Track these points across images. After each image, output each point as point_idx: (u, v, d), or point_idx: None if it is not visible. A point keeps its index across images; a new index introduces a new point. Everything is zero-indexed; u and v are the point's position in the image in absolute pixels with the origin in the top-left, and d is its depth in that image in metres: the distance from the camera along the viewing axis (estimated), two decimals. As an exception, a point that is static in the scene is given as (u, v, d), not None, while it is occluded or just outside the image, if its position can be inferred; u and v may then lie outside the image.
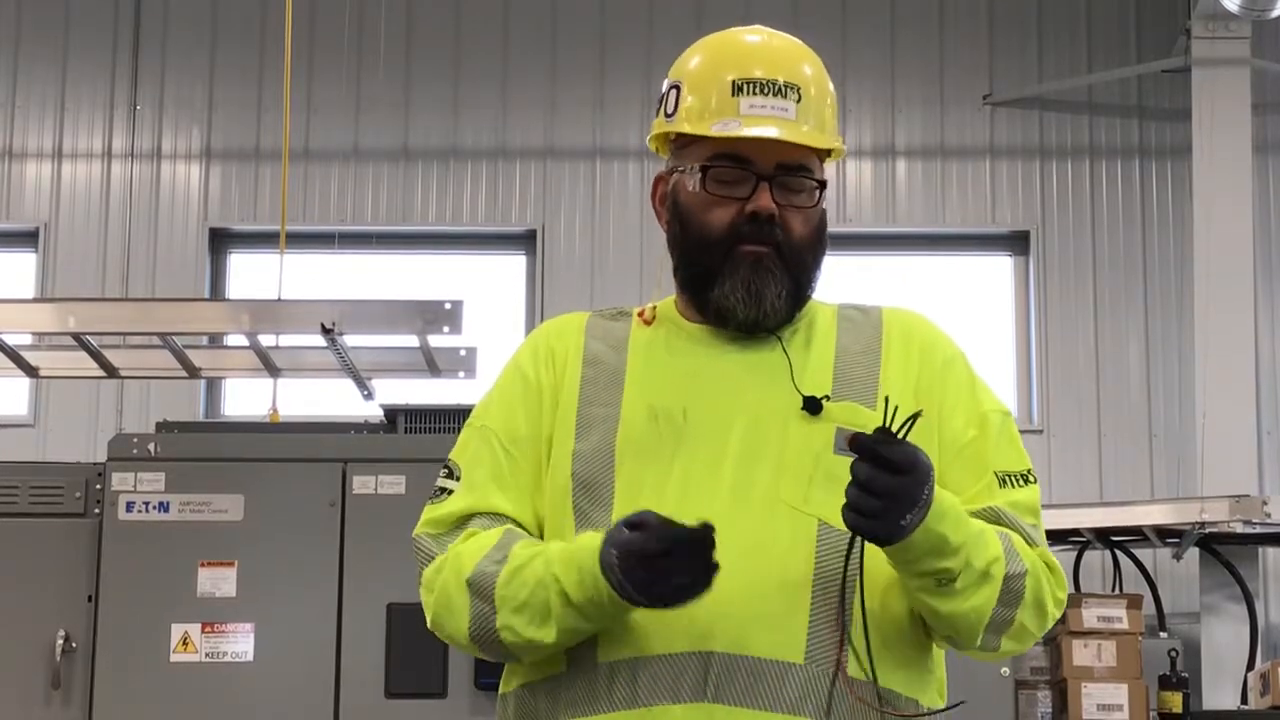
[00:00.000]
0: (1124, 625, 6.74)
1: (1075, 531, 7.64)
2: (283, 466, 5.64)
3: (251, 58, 9.27)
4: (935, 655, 2.30)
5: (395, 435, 5.96)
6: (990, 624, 2.20)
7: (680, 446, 2.24)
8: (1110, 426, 8.96)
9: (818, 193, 2.33)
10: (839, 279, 8.75)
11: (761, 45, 2.37)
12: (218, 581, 5.52)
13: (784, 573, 2.17)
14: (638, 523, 2.09)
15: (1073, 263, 9.15)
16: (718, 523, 2.10)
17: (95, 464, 5.73)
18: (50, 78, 9.33)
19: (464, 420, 2.41)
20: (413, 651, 5.47)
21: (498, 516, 2.29)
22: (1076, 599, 6.81)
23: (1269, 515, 7.29)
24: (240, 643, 5.50)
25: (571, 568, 2.14)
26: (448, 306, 5.58)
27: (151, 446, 5.64)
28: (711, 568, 2.06)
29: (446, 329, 5.60)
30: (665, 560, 2.05)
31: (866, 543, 2.12)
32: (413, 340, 5.89)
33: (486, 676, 5.43)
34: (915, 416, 2.07)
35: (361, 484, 5.59)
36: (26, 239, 9.26)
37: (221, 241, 9.34)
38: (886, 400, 2.12)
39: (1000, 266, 9.39)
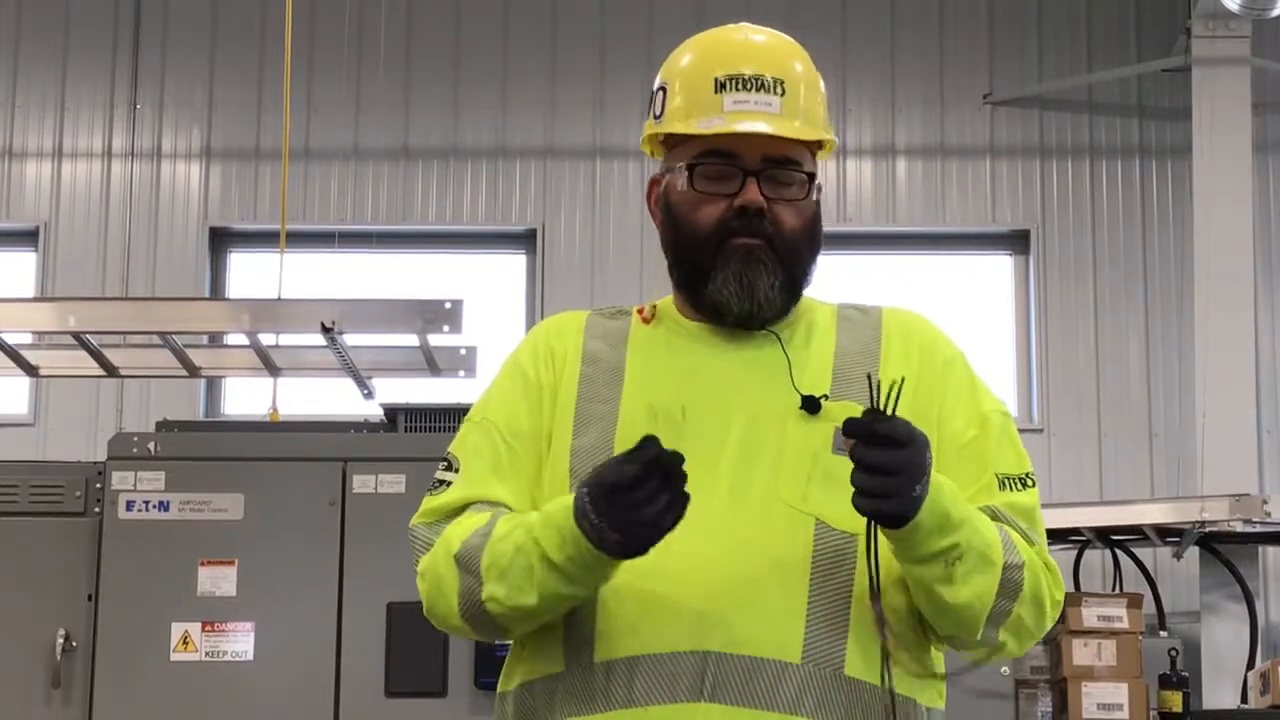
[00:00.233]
0: (1124, 624, 6.74)
1: (1075, 530, 7.64)
2: (283, 466, 5.65)
3: (251, 57, 9.27)
4: (935, 656, 2.30)
5: (395, 434, 5.96)
6: (991, 615, 2.20)
7: (678, 444, 2.22)
8: (1110, 425, 8.96)
9: (808, 185, 2.33)
10: (839, 278, 8.79)
11: (746, 42, 2.37)
12: (218, 581, 5.52)
13: (781, 572, 2.16)
14: (604, 462, 2.09)
15: (1073, 262, 9.15)
16: (715, 521, 2.10)
17: (95, 463, 5.73)
18: (50, 77, 9.33)
19: (464, 419, 2.41)
20: (413, 650, 5.47)
21: (496, 506, 2.29)
22: (1076, 598, 6.82)
23: (1269, 514, 7.29)
24: (240, 642, 5.50)
25: (550, 529, 2.13)
26: (448, 306, 5.58)
27: (151, 445, 5.64)
28: (682, 496, 2.04)
29: (446, 328, 5.60)
30: (636, 492, 2.03)
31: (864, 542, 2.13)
32: (413, 339, 5.89)
33: (486, 676, 5.43)
34: (900, 387, 2.07)
35: (361, 483, 5.60)
36: (26, 238, 9.26)
37: (221, 241, 9.34)
38: (869, 377, 2.11)
39: (1000, 266, 9.39)
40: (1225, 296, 8.32)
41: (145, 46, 9.33)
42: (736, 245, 2.29)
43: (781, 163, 2.31)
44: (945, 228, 9.27)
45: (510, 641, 2.30)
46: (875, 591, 2.12)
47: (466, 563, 2.20)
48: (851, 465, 2.07)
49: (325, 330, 5.58)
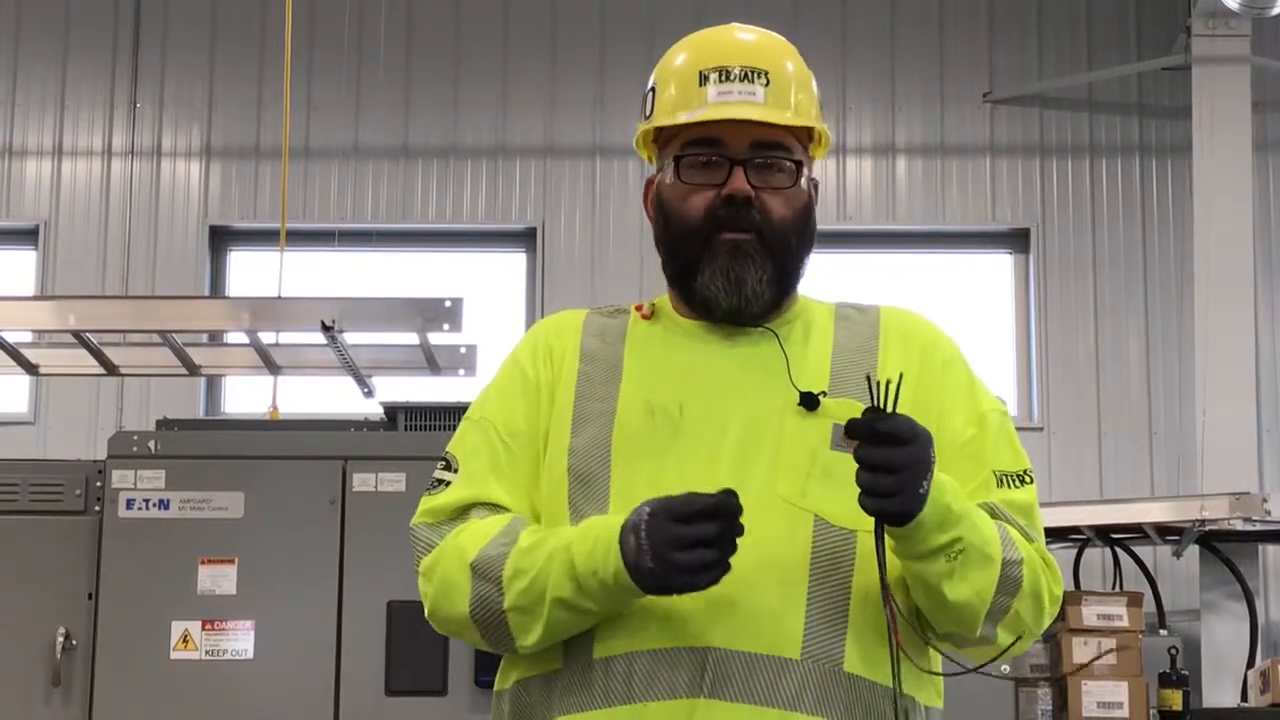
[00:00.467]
0: (1124, 623, 6.74)
1: (1075, 529, 7.64)
2: (283, 464, 5.65)
3: (251, 56, 9.27)
4: (933, 654, 2.30)
5: (395, 433, 5.96)
6: (990, 611, 2.20)
7: (677, 442, 2.24)
8: (1110, 424, 8.96)
9: (796, 174, 2.33)
10: (839, 277, 8.79)
11: (734, 40, 2.38)
12: (218, 579, 5.52)
13: (780, 568, 2.17)
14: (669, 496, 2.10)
15: (1073, 260, 9.15)
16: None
17: (95, 461, 5.73)
18: (50, 76, 9.33)
19: (463, 417, 2.42)
20: (413, 649, 5.47)
21: (496, 508, 2.30)
22: (1077, 596, 6.81)
23: (1269, 513, 7.29)
24: (240, 640, 5.50)
25: (588, 538, 2.14)
26: (448, 304, 5.58)
27: (152, 444, 5.64)
28: (725, 565, 2.06)
29: (446, 326, 5.60)
30: (692, 528, 2.04)
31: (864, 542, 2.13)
32: (413, 338, 5.89)
33: (486, 674, 5.43)
34: (898, 385, 2.07)
35: (361, 481, 5.60)
36: (27, 236, 9.26)
37: (222, 239, 9.34)
38: (868, 377, 2.11)
39: (1000, 264, 9.38)
40: (1225, 295, 8.31)
41: (145, 46, 9.33)
42: (724, 240, 2.29)
43: (770, 150, 2.31)
44: (945, 226, 9.27)
45: (506, 655, 2.29)
46: (886, 593, 2.12)
47: (485, 571, 2.20)
48: (850, 462, 2.07)
49: (325, 329, 5.59)
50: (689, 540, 2.05)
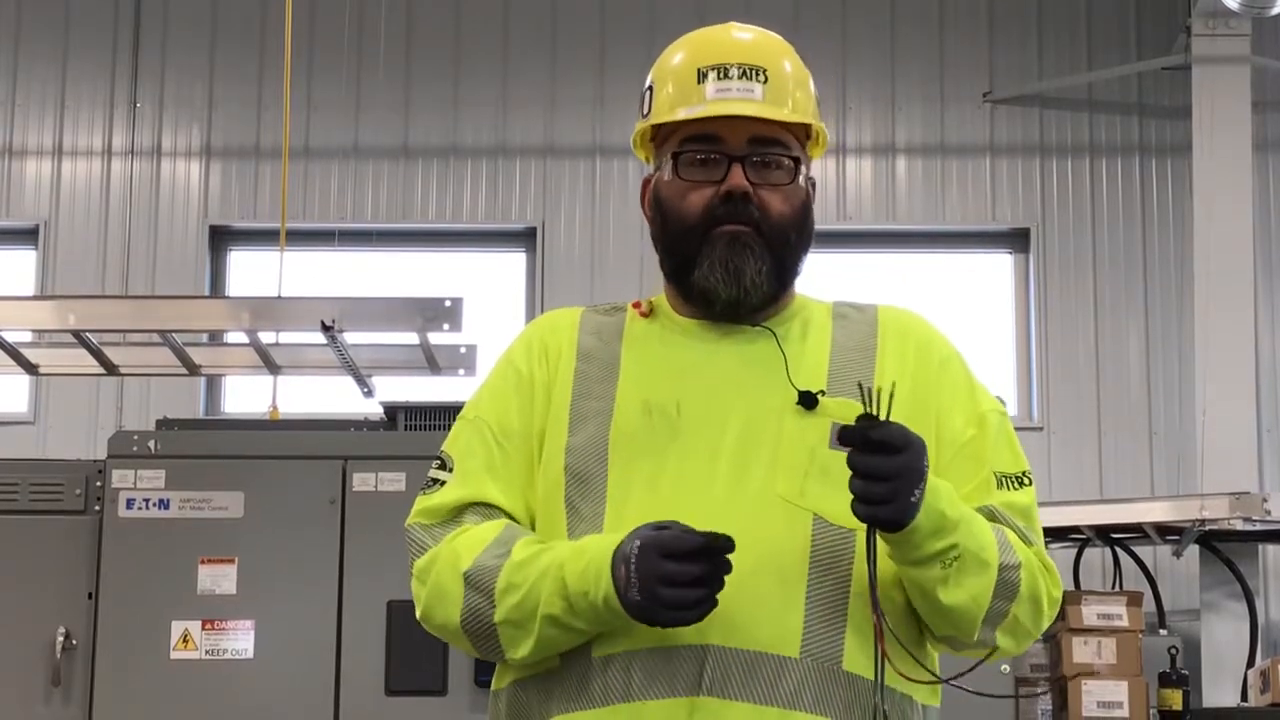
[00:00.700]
0: (1124, 622, 6.74)
1: (1075, 529, 7.63)
2: (283, 464, 5.65)
3: (251, 56, 9.27)
4: (930, 651, 2.30)
5: (395, 432, 5.96)
6: (988, 616, 2.20)
7: (674, 441, 2.24)
8: (1110, 424, 8.96)
9: (795, 170, 2.33)
10: (839, 277, 8.79)
11: (731, 38, 2.39)
12: (218, 579, 5.52)
13: (779, 567, 2.17)
14: (665, 526, 2.10)
15: (1073, 260, 9.15)
16: (712, 517, 2.10)
17: (95, 461, 5.74)
18: (50, 76, 9.33)
19: (458, 416, 2.41)
20: (413, 649, 5.47)
21: (491, 508, 2.30)
22: (1077, 596, 6.81)
23: (1269, 512, 7.29)
24: (240, 640, 5.50)
25: (581, 558, 2.14)
26: (448, 304, 5.59)
27: (151, 444, 5.64)
28: (712, 601, 2.07)
29: (446, 326, 5.61)
30: (680, 565, 2.05)
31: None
32: (413, 337, 5.89)
33: (486, 674, 5.40)
34: (893, 392, 2.08)
35: (361, 481, 5.60)
36: (27, 236, 9.26)
37: (221, 239, 9.34)
38: (860, 385, 2.11)
39: (1000, 264, 9.38)
40: (1225, 295, 8.31)
41: (145, 46, 9.32)
42: (722, 232, 2.29)
43: (768, 146, 2.31)
44: (945, 226, 9.27)
45: (497, 663, 2.29)
46: (875, 603, 2.12)
47: (477, 582, 2.20)
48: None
49: (325, 328, 5.59)
50: (676, 578, 2.05)
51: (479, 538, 2.24)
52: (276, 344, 6.36)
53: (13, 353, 6.18)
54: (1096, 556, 8.24)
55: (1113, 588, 7.85)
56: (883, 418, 2.06)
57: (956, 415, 2.33)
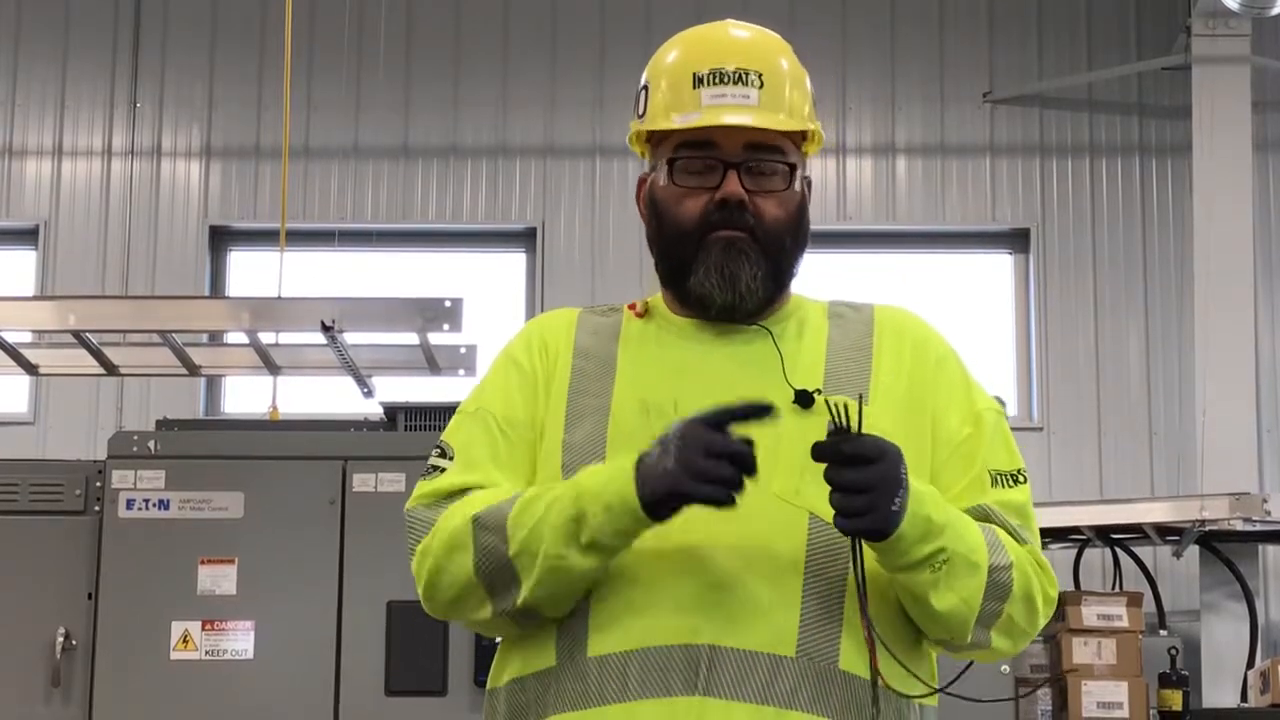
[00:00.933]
0: (1124, 623, 6.74)
1: (1075, 529, 7.64)
2: (283, 464, 5.65)
3: (251, 56, 9.27)
4: (925, 649, 2.30)
5: (395, 433, 5.96)
6: (980, 617, 2.20)
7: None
8: (1110, 424, 8.96)
9: (790, 176, 2.33)
10: (839, 277, 8.79)
11: (727, 38, 2.38)
12: (218, 579, 5.52)
13: (775, 566, 2.17)
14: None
15: (1073, 260, 9.15)
16: (709, 517, 2.09)
17: (95, 461, 5.74)
18: (50, 76, 9.33)
19: (458, 410, 2.40)
20: (413, 649, 5.47)
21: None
22: (1076, 597, 6.82)
23: (1269, 513, 7.29)
24: (240, 640, 5.50)
25: (600, 469, 2.15)
26: (448, 304, 5.59)
27: (151, 444, 5.64)
28: (741, 485, 2.06)
29: (446, 327, 5.61)
30: (724, 437, 2.05)
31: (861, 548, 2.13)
32: (413, 338, 5.89)
33: (486, 673, 5.42)
34: (860, 404, 2.08)
35: (361, 482, 5.60)
36: (27, 236, 9.26)
37: (221, 239, 9.34)
38: (827, 402, 2.12)
39: (1000, 264, 9.38)
40: (1225, 295, 8.31)
41: (145, 46, 9.33)
42: (718, 237, 2.29)
43: (764, 152, 2.30)
44: (945, 226, 9.27)
45: (504, 621, 2.25)
46: (864, 613, 2.12)
47: (489, 521, 2.18)
48: None
49: (325, 329, 5.59)
50: (717, 448, 2.05)
51: (489, 494, 2.23)
52: (276, 344, 6.37)
53: (13, 353, 6.18)
54: (1096, 557, 8.24)
55: (1113, 588, 7.85)
56: (855, 429, 2.06)
57: (953, 414, 2.33)
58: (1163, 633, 7.52)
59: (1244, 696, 7.28)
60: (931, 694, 2.23)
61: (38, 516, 5.63)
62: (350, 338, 5.85)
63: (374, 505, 5.55)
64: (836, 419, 2.07)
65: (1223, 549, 7.62)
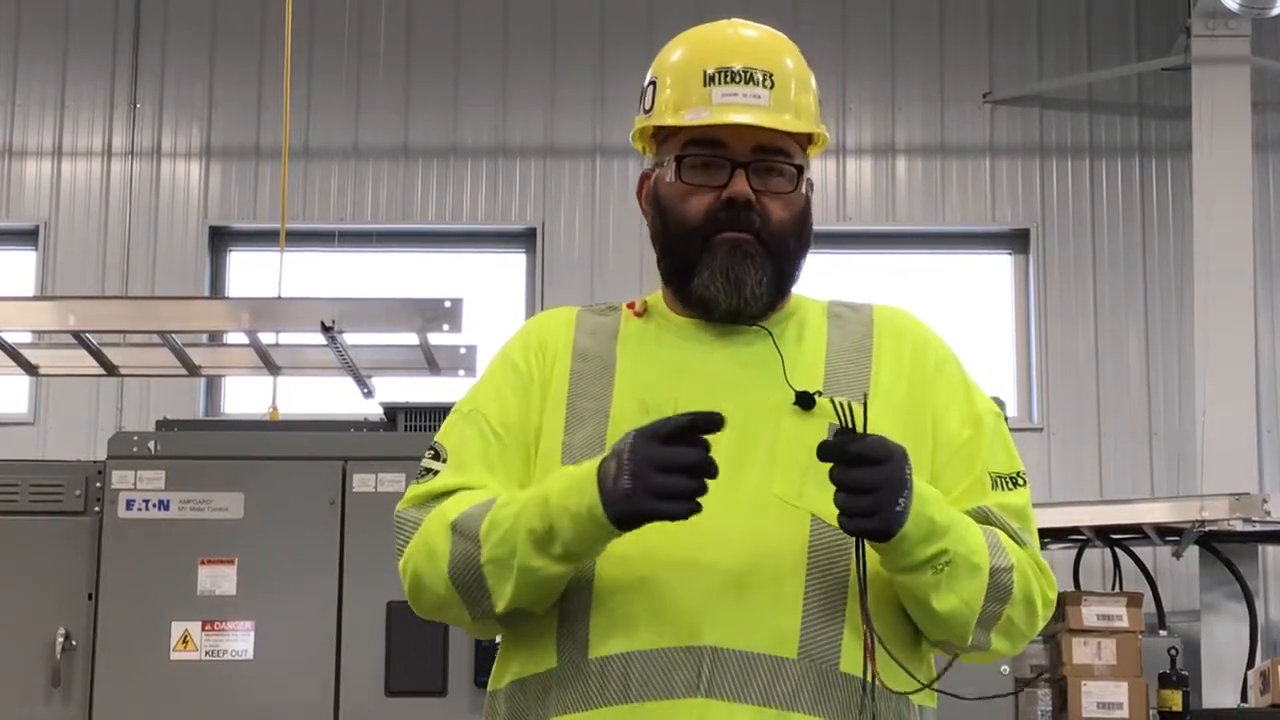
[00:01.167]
0: (1124, 623, 6.74)
1: (1075, 529, 7.64)
2: (283, 464, 5.65)
3: (251, 56, 9.27)
4: (925, 650, 2.30)
5: (395, 433, 5.96)
6: (981, 619, 2.20)
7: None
8: (1110, 424, 8.96)
9: (797, 178, 2.33)
10: (839, 277, 8.79)
11: (736, 37, 2.37)
12: (218, 579, 5.52)
13: (777, 568, 2.16)
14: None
15: (1073, 261, 9.15)
16: (710, 517, 2.09)
17: (95, 462, 5.73)
18: (50, 76, 9.33)
19: (453, 410, 2.40)
20: (413, 649, 5.47)
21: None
22: (1076, 597, 6.81)
23: (1269, 513, 7.29)
24: (240, 641, 5.50)
25: (564, 475, 2.14)
26: (448, 304, 5.59)
27: (151, 444, 5.64)
28: (697, 497, 2.04)
29: (446, 327, 5.61)
30: (675, 448, 2.03)
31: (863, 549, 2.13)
32: (413, 338, 5.89)
33: (486, 674, 5.41)
34: (865, 405, 2.08)
35: (361, 482, 5.60)
36: (26, 237, 9.26)
37: (221, 239, 9.35)
38: (833, 400, 2.11)
39: (1000, 265, 9.39)
40: (1225, 295, 8.32)
41: (145, 46, 9.33)
42: (723, 239, 2.28)
43: (771, 154, 2.30)
44: (945, 227, 9.27)
45: (486, 626, 2.26)
46: (866, 617, 2.13)
47: (464, 528, 2.19)
48: None
49: (325, 329, 5.59)
50: (670, 462, 2.03)
51: (468, 498, 2.24)
52: (276, 345, 6.36)
53: (13, 353, 6.18)
54: (1096, 557, 8.25)
55: (1112, 588, 7.85)
56: (860, 430, 2.06)
57: (952, 416, 2.33)
58: (1163, 633, 7.52)
59: (1244, 697, 7.28)
60: (921, 689, 2.23)
61: (38, 517, 5.63)
62: (350, 338, 5.85)
63: (374, 505, 5.55)
64: (842, 419, 2.06)
65: (1223, 549, 7.62)
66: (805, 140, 2.37)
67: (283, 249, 6.81)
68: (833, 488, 2.08)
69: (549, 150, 9.26)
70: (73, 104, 9.31)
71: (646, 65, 2.44)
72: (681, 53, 2.38)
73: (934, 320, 2.46)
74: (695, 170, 2.31)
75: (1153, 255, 9.15)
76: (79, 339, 5.97)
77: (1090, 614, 6.74)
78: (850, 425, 2.06)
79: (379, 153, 9.25)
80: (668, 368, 2.31)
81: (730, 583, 2.13)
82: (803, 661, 2.15)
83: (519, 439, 2.31)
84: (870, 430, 2.08)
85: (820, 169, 8.95)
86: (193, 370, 6.39)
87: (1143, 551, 8.01)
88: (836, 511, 2.12)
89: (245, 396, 8.96)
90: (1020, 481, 2.32)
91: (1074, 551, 7.87)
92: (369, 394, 6.47)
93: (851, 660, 2.16)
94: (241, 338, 6.19)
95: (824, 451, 2.06)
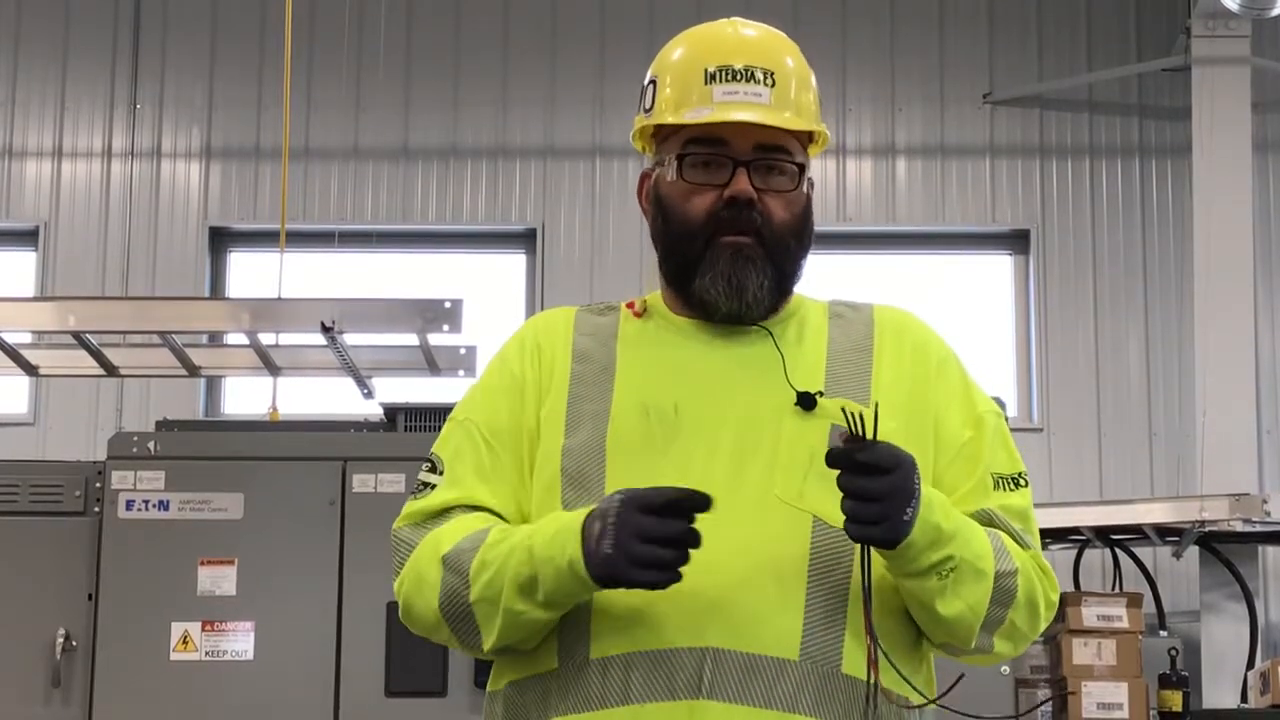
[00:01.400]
0: (1124, 624, 6.74)
1: (1075, 530, 7.63)
2: (283, 465, 5.65)
3: (251, 57, 9.27)
4: (925, 651, 2.30)
5: (395, 434, 5.96)
6: (985, 623, 2.20)
7: (673, 442, 2.23)
8: (1110, 425, 8.96)
9: (798, 176, 2.32)
10: (839, 278, 8.79)
11: (737, 36, 2.37)
12: (218, 580, 5.52)
13: (779, 569, 2.16)
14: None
15: (1073, 261, 9.15)
16: (711, 518, 2.09)
17: (95, 462, 5.74)
18: (50, 76, 9.33)
19: (449, 418, 2.40)
20: (413, 650, 5.47)
21: (480, 510, 2.28)
22: (1076, 597, 6.81)
23: (1269, 514, 7.28)
24: (240, 641, 5.50)
25: (552, 524, 2.14)
26: (447, 305, 5.59)
27: (151, 445, 5.64)
28: (675, 573, 2.05)
29: (446, 327, 5.61)
30: (661, 521, 2.04)
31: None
32: (413, 339, 5.89)
33: (486, 675, 5.42)
34: (875, 413, 2.07)
35: (361, 482, 5.60)
36: (26, 237, 9.26)
37: (221, 240, 9.34)
38: (844, 409, 2.11)
39: (1000, 265, 9.38)
40: (1225, 296, 8.31)
41: (145, 46, 9.33)
42: (726, 243, 2.28)
43: (773, 152, 2.30)
44: (945, 227, 9.27)
45: (478, 655, 2.27)
46: (869, 622, 2.12)
47: (454, 563, 2.20)
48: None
49: (325, 330, 5.59)
50: (653, 533, 2.04)
51: (462, 526, 2.24)
52: (276, 345, 6.37)
53: (13, 354, 6.18)
54: (1096, 558, 8.24)
55: (1112, 589, 7.84)
56: (870, 438, 2.06)
57: (954, 417, 2.33)
58: (1163, 633, 7.51)
59: (1244, 697, 7.28)
60: (927, 704, 2.23)
61: (38, 517, 5.63)
62: (350, 338, 5.85)
63: (374, 506, 5.55)
64: (851, 427, 2.06)
65: (1222, 549, 7.62)
66: (806, 139, 2.36)
67: (283, 249, 6.81)
68: (834, 488, 2.08)
69: (549, 151, 9.26)
70: (73, 104, 9.31)
71: (646, 65, 2.44)
72: (682, 51, 2.37)
73: (934, 321, 2.46)
74: (696, 169, 2.31)
75: (1153, 255, 9.15)
76: (79, 339, 5.97)
77: (1090, 614, 6.73)
78: (860, 432, 2.05)
79: (379, 153, 9.25)
80: (668, 369, 2.31)
81: (732, 584, 2.13)
82: (804, 663, 2.15)
83: (510, 445, 2.31)
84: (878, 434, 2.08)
85: (820, 169, 8.95)
86: (193, 371, 6.39)
87: (1143, 552, 8.00)
88: (837, 512, 2.12)
89: (245, 397, 8.96)
90: (1022, 482, 2.32)
91: (1074, 552, 7.87)
92: (369, 394, 6.47)
93: (853, 662, 2.16)
94: (241, 338, 6.19)
95: (832, 459, 2.06)
